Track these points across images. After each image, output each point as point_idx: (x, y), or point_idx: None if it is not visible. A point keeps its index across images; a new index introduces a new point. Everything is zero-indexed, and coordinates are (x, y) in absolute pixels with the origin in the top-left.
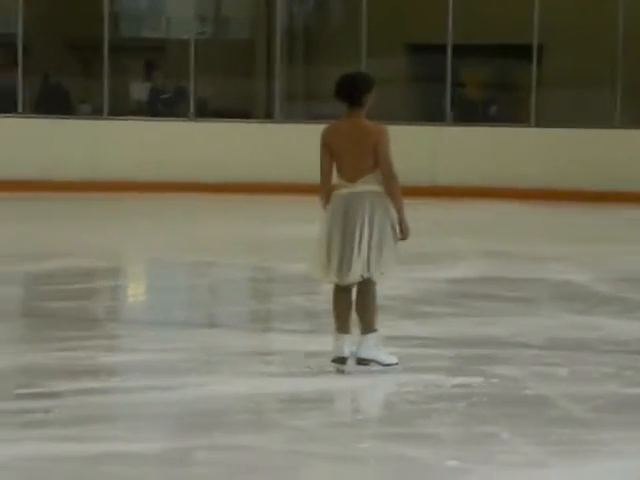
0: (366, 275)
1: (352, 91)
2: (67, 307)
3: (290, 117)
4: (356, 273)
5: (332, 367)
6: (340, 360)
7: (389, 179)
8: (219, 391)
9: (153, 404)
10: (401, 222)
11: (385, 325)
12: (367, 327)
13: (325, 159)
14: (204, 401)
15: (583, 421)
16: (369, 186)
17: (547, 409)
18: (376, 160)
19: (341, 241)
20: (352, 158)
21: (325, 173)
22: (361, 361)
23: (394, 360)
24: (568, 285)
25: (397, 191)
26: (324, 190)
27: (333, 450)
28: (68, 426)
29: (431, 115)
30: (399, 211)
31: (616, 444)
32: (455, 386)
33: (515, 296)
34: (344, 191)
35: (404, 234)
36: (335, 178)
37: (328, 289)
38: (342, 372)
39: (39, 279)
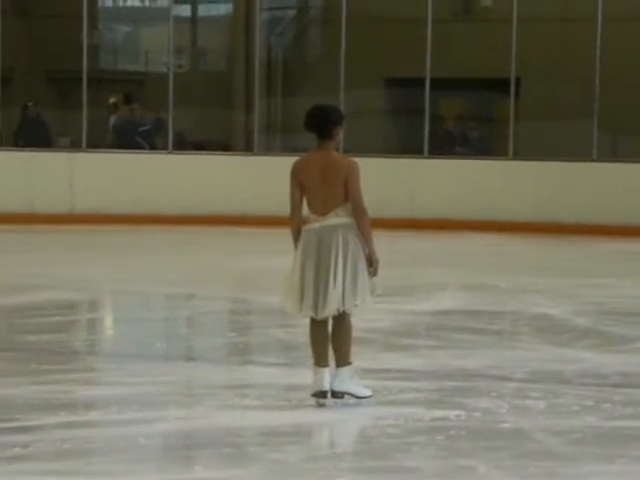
0: (342, 309)
1: (322, 121)
2: (45, 340)
3: (269, 150)
4: (332, 307)
5: (311, 400)
6: (321, 394)
7: (359, 213)
8: (199, 424)
9: (133, 438)
10: (371, 256)
11: (365, 357)
12: (342, 360)
13: (295, 192)
14: (184, 435)
15: (561, 454)
16: (341, 219)
17: (525, 442)
18: (346, 193)
19: (315, 275)
20: (323, 191)
21: (295, 206)
22: (335, 394)
23: (368, 393)
24: (548, 318)
25: (367, 225)
26: (294, 224)
27: None
28: (48, 460)
29: (410, 148)
30: (369, 245)
31: (593, 477)
32: (434, 419)
33: (495, 329)
34: (316, 225)
35: (374, 269)
36: (306, 212)
37: (307, 322)
38: (323, 405)
39: (17, 312)
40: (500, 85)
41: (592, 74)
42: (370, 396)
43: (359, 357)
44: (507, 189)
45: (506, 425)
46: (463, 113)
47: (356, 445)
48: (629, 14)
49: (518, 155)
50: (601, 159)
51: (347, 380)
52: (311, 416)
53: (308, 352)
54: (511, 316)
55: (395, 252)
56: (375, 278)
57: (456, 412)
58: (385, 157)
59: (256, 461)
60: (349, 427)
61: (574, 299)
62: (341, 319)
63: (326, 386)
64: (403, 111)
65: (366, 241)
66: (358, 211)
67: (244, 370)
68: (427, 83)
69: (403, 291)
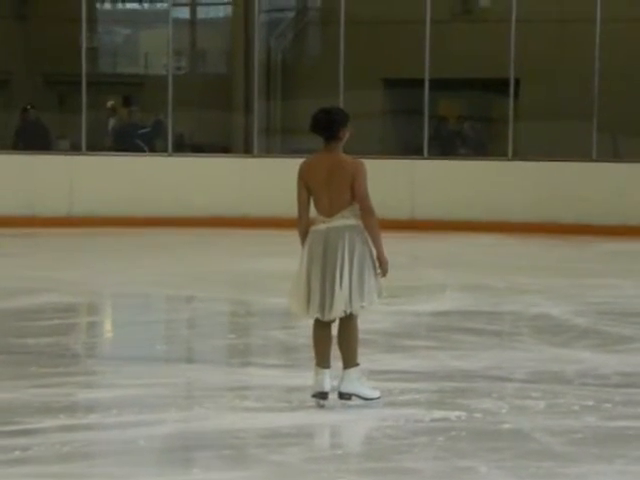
0: (349, 310)
1: (329, 124)
2: (45, 343)
3: (269, 152)
4: (339, 309)
5: (312, 402)
6: (321, 395)
7: (366, 214)
8: (199, 426)
9: (133, 440)
10: (379, 257)
11: (366, 359)
12: (349, 361)
13: (302, 194)
14: (185, 437)
15: (561, 454)
16: (347, 220)
17: (525, 442)
18: (353, 195)
19: (321, 277)
20: (329, 193)
21: (302, 208)
22: (343, 395)
23: (376, 394)
24: (547, 318)
25: (375, 226)
26: (301, 225)
27: None
28: (48, 463)
29: (409, 149)
30: (377, 246)
31: (593, 478)
32: (434, 420)
33: (495, 329)
34: (322, 226)
35: (383, 269)
36: (313, 213)
37: (308, 323)
38: (322, 407)
39: (17, 315)
40: (499, 86)
41: (591, 75)
42: (378, 397)
43: (360, 358)
44: (506, 190)
45: (506, 426)
46: (462, 114)
47: (357, 446)
48: (627, 15)
49: (517, 155)
50: (600, 159)
51: (355, 381)
52: (312, 417)
53: (308, 354)
54: (511, 316)
55: (395, 253)
56: (382, 279)
57: (456, 413)
58: (385, 158)
59: (257, 463)
60: (350, 428)
61: (574, 299)
62: (348, 321)
63: (326, 387)
64: (402, 112)
65: (374, 242)
66: (365, 212)
67: (244, 372)
68: (426, 84)
69: (403, 292)
